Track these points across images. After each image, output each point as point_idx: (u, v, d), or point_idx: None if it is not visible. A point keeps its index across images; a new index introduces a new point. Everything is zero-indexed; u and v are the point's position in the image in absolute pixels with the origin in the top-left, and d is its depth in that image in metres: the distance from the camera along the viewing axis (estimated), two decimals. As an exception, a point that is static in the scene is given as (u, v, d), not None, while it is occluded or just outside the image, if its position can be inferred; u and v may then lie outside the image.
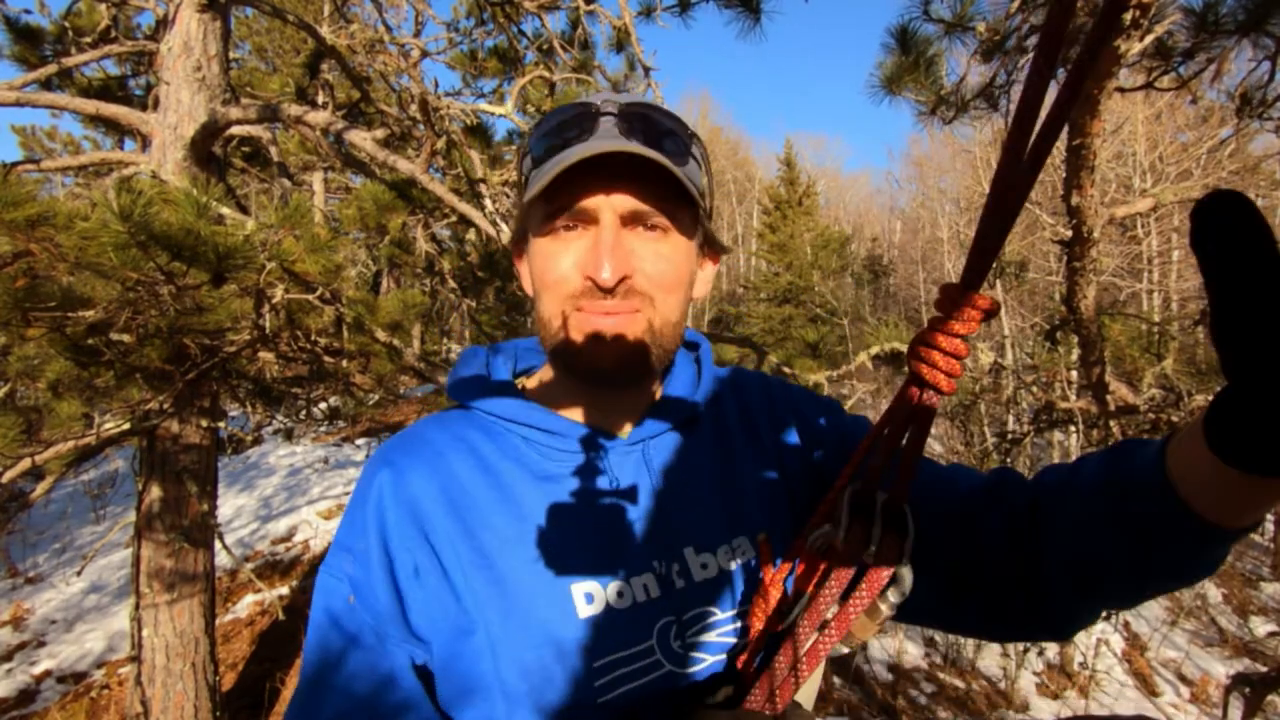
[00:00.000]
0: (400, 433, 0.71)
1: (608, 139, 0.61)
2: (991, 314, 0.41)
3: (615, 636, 0.60)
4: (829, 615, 0.48)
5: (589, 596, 0.61)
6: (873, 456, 0.47)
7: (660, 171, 0.60)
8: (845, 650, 0.54)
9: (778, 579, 0.50)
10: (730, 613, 0.65)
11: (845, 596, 0.47)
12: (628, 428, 0.71)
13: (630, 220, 0.63)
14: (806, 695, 0.57)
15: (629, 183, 0.61)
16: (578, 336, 0.64)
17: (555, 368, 0.71)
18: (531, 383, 0.77)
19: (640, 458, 0.69)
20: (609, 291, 0.61)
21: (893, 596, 0.49)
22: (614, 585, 0.62)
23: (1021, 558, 0.60)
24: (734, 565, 0.66)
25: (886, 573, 0.45)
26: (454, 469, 0.66)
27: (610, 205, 0.61)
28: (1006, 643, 0.71)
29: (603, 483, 0.66)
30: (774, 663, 0.49)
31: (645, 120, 0.64)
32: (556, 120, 0.65)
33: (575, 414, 0.71)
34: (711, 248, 0.74)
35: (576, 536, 0.63)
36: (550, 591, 0.61)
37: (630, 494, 0.67)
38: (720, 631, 0.64)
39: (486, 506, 0.64)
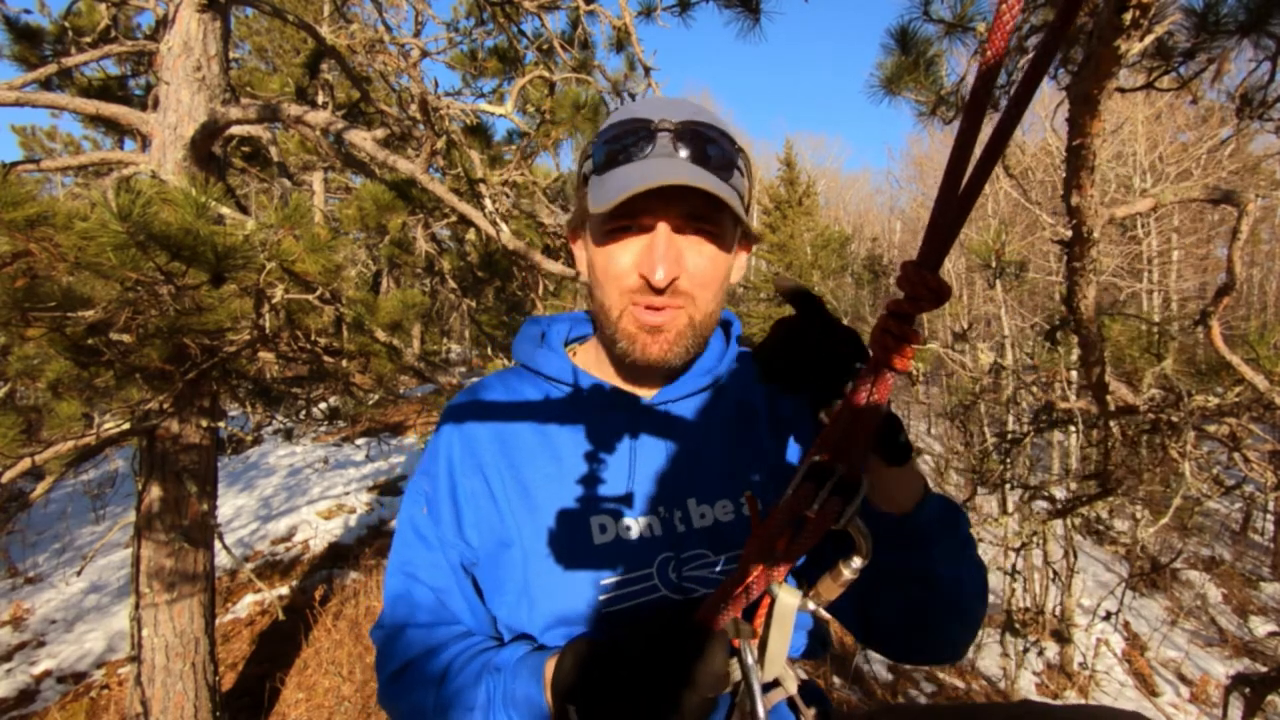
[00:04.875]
0: (469, 386, 0.89)
1: (663, 158, 0.71)
2: (942, 296, 0.47)
3: (621, 562, 0.74)
4: (778, 558, 0.57)
5: (603, 528, 0.75)
6: (838, 430, 0.53)
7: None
8: (812, 607, 0.61)
9: (758, 532, 0.58)
10: (722, 556, 0.76)
11: (793, 546, 0.56)
12: (656, 390, 0.83)
13: (680, 228, 0.73)
14: (776, 654, 0.63)
15: (680, 200, 0.70)
16: (632, 328, 0.76)
17: (603, 344, 0.84)
18: (582, 348, 0.91)
19: (662, 417, 0.81)
20: (660, 291, 0.72)
21: (856, 562, 0.58)
22: (624, 521, 0.76)
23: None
24: (729, 518, 0.77)
25: (827, 527, 0.54)
26: (507, 417, 0.82)
27: (665, 218, 0.72)
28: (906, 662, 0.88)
29: (627, 436, 0.79)
30: (734, 589, 0.59)
31: (696, 138, 0.72)
32: (616, 131, 0.74)
33: (613, 376, 0.84)
34: (746, 238, 0.84)
35: (599, 479, 0.77)
36: (573, 521, 0.75)
37: (648, 448, 0.79)
38: (712, 570, 0.75)
39: (531, 448, 0.80)
